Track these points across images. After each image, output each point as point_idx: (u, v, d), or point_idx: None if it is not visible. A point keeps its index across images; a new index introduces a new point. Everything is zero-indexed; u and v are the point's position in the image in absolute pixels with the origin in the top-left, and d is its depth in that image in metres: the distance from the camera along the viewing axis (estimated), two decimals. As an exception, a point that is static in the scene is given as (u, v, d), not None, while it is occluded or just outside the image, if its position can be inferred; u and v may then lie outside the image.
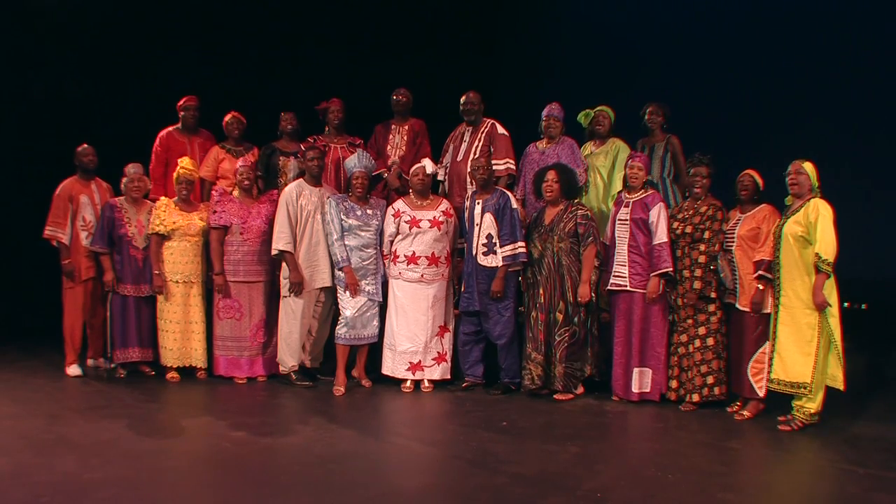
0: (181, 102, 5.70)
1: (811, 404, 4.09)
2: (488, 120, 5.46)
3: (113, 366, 5.29)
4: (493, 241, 4.90)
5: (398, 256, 4.99)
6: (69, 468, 3.21)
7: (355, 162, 5.01)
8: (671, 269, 4.58)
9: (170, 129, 5.73)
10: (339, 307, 5.02)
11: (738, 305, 4.47)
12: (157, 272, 5.11)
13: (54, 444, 3.56)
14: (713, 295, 4.50)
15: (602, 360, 4.94)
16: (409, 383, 5.02)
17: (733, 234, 4.48)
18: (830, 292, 4.04)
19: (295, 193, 5.04)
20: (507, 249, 4.86)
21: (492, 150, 5.34)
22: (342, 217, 4.93)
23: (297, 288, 4.99)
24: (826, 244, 3.99)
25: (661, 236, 4.61)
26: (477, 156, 5.27)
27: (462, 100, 5.46)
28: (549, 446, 3.71)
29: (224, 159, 5.61)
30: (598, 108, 5.47)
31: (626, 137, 5.45)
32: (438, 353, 5.05)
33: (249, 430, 3.87)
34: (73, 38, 7.43)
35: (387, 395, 4.90)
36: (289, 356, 5.10)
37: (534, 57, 9.86)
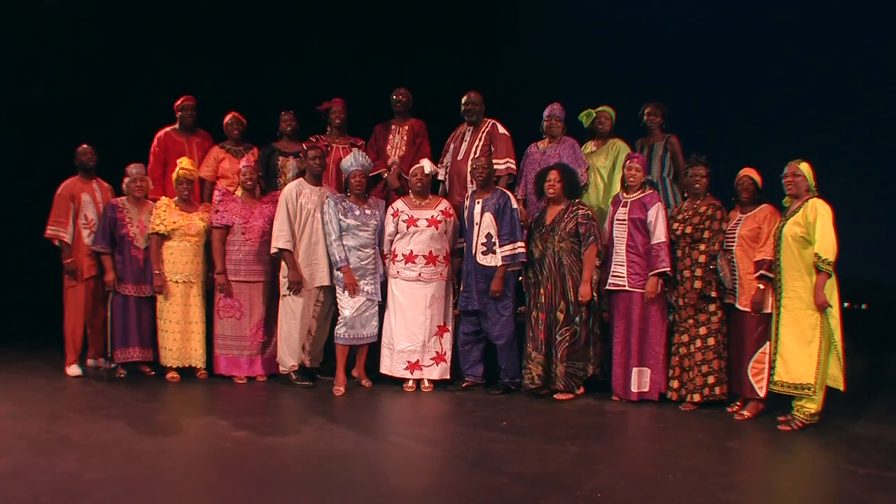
0: (178, 102, 5.71)
1: (812, 404, 4.09)
2: (489, 120, 5.45)
3: (113, 366, 5.29)
4: (493, 240, 4.90)
5: (397, 255, 5.00)
6: (69, 468, 3.20)
7: (351, 161, 5.01)
8: (669, 268, 4.58)
9: (167, 129, 5.74)
10: (339, 307, 5.02)
11: (738, 305, 4.47)
12: (157, 272, 5.11)
13: (54, 444, 3.56)
14: (714, 294, 4.50)
15: (604, 360, 4.94)
16: (410, 382, 5.02)
17: (734, 234, 4.48)
18: (831, 292, 4.04)
19: (295, 192, 5.04)
20: (507, 249, 4.86)
21: (492, 149, 5.34)
22: (340, 217, 4.93)
23: (296, 286, 4.99)
24: (825, 244, 3.99)
25: (659, 236, 4.61)
26: (477, 155, 5.27)
27: (463, 100, 5.46)
28: (549, 446, 3.71)
29: (224, 159, 5.62)
30: (600, 108, 5.48)
31: (626, 137, 5.45)
32: (437, 352, 5.05)
33: (249, 430, 3.87)
34: (73, 38, 7.43)
35: (387, 395, 4.90)
36: (288, 356, 5.10)
37: (534, 57, 9.87)
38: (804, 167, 4.21)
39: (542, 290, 4.83)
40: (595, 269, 4.78)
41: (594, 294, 4.79)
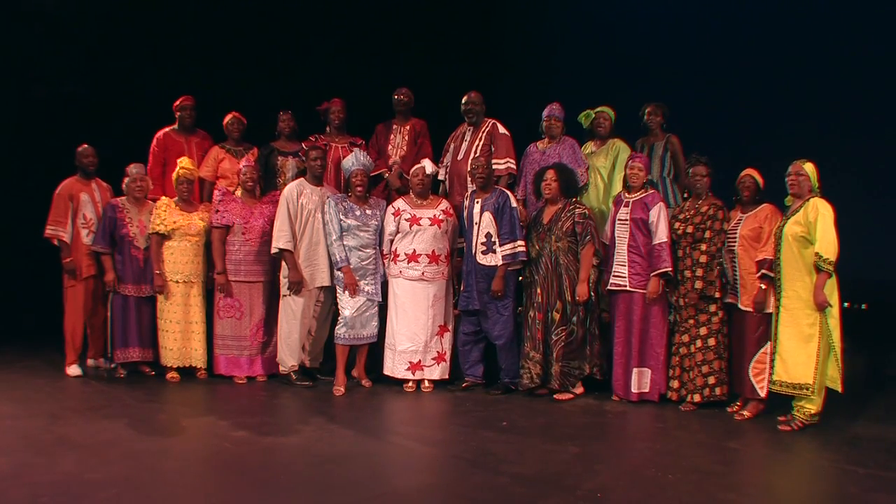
0: (178, 102, 5.72)
1: (812, 405, 4.08)
2: (490, 120, 5.45)
3: (113, 366, 5.29)
4: (492, 239, 4.90)
5: (398, 255, 4.99)
6: (69, 468, 3.20)
7: (353, 161, 5.01)
8: (670, 268, 4.58)
9: (167, 129, 5.74)
10: (339, 307, 5.02)
11: (739, 305, 4.46)
12: (157, 272, 5.11)
13: (54, 444, 3.56)
14: (717, 294, 4.49)
15: (604, 360, 4.94)
16: (411, 383, 5.02)
17: (735, 233, 4.48)
18: (832, 292, 4.03)
19: (296, 192, 5.04)
20: (507, 248, 4.86)
21: (492, 149, 5.34)
22: (341, 217, 4.93)
23: (297, 287, 4.99)
24: (826, 243, 3.98)
25: (661, 236, 4.61)
26: (477, 155, 5.27)
27: (464, 100, 5.46)
28: (549, 446, 3.71)
29: (224, 159, 5.63)
30: (599, 108, 5.47)
31: (626, 137, 5.45)
32: (438, 352, 5.05)
33: (249, 430, 3.87)
34: (73, 38, 7.43)
35: (387, 395, 4.90)
36: (288, 356, 5.10)
37: (534, 57, 9.86)
38: (808, 167, 4.20)
39: (538, 290, 4.84)
40: (592, 269, 4.78)
41: (591, 293, 4.79)
